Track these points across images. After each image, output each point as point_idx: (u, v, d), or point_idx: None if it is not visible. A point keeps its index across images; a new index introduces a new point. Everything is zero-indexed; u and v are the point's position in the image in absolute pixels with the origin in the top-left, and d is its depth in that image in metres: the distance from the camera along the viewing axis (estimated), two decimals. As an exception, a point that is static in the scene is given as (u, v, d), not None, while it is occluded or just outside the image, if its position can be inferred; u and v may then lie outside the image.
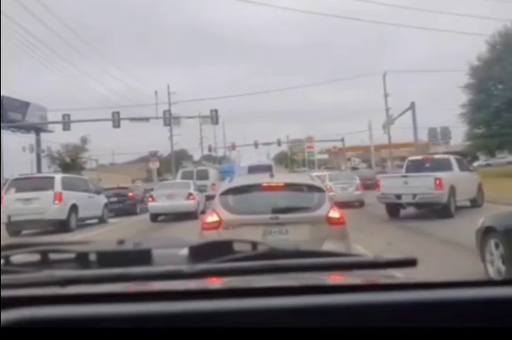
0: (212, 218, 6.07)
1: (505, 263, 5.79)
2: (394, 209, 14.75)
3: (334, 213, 6.07)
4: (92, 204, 18.05)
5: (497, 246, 5.99)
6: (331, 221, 5.99)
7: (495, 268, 6.00)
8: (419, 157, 17.19)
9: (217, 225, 5.96)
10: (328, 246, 5.59)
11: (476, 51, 35.64)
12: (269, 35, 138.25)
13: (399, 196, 14.16)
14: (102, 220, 18.75)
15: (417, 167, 15.66)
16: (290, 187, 6.42)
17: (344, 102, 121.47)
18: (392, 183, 14.57)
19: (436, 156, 17.12)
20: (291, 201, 6.32)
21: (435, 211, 14.01)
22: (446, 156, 16.92)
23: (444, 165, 15.38)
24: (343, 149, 63.28)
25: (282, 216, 5.89)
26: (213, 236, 5.73)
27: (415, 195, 13.87)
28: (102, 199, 19.40)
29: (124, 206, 22.55)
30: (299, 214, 6.00)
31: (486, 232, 6.21)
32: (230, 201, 6.20)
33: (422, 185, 13.85)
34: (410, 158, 17.40)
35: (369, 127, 60.44)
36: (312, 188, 6.41)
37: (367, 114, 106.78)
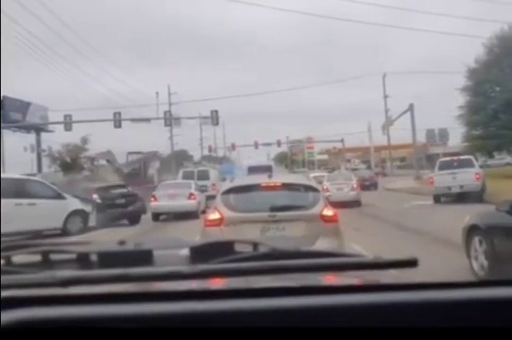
0: (214, 216, 6.43)
1: (488, 258, 6.19)
2: (439, 198, 19.59)
3: (328, 212, 6.45)
4: (33, 213, 13.83)
5: (480, 242, 6.38)
6: (324, 219, 6.35)
7: (479, 264, 6.41)
8: (448, 158, 22.19)
9: (219, 222, 6.32)
10: (322, 241, 5.99)
11: (474, 53, 35.70)
12: (269, 36, 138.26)
13: (449, 188, 19.16)
14: (68, 232, 14.76)
15: (446, 166, 20.27)
16: (287, 187, 6.79)
17: (343, 103, 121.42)
18: (443, 179, 19.20)
19: (461, 157, 21.95)
20: (288, 200, 6.66)
21: (471, 197, 18.19)
22: (468, 156, 21.90)
23: (468, 163, 20.25)
24: (343, 150, 63.28)
25: (280, 214, 6.24)
26: (215, 233, 6.15)
27: (462, 186, 18.95)
28: (65, 205, 15.14)
29: (136, 209, 17.83)
30: (295, 212, 6.36)
31: (471, 230, 6.64)
32: (232, 200, 6.56)
33: (466, 178, 19.03)
34: (441, 159, 22.40)
35: (369, 128, 60.58)
36: (307, 188, 6.81)
37: (367, 116, 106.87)
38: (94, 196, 16.77)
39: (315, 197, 6.61)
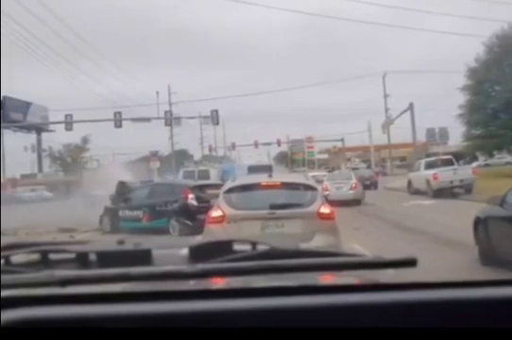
0: (216, 213, 6.72)
1: (489, 245, 7.02)
2: (439, 193, 21.56)
3: (325, 209, 6.74)
4: None
5: (482, 231, 7.25)
6: (321, 216, 6.64)
7: (482, 249, 7.25)
8: (432, 158, 26.57)
9: (221, 219, 6.60)
10: (319, 238, 6.31)
11: (474, 53, 35.68)
12: (270, 36, 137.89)
13: (451, 182, 21.96)
14: None
15: (431, 165, 23.76)
16: (286, 186, 7.10)
17: (344, 102, 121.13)
18: (446, 174, 21.93)
19: (443, 157, 26.43)
20: (286, 198, 6.96)
21: (464, 189, 22.14)
22: (449, 156, 25.77)
23: (449, 162, 23.98)
24: (343, 149, 63.25)
25: (279, 212, 6.53)
26: (217, 229, 6.47)
27: (461, 180, 22.11)
28: None
29: None
30: (294, 210, 6.66)
31: (476, 222, 7.53)
32: (233, 198, 6.86)
33: (464, 173, 22.63)
34: (426, 159, 27.02)
35: (369, 127, 60.55)
36: (305, 187, 7.09)
37: (367, 115, 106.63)
38: (191, 197, 13.88)
39: (312, 196, 6.88)
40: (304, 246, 1.23)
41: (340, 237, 6.78)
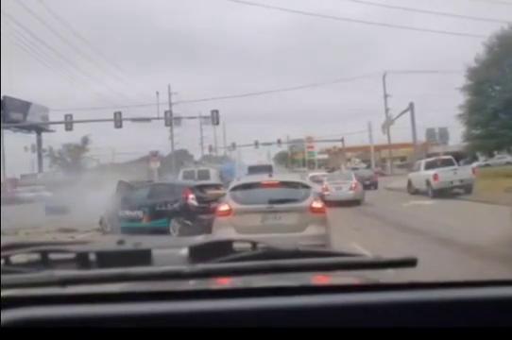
0: (224, 207, 7.84)
1: None
2: (439, 193, 21.65)
3: (317, 204, 7.81)
4: None
5: None
6: (313, 210, 7.67)
7: None
8: (432, 158, 26.67)
9: (228, 212, 7.69)
10: (311, 228, 7.38)
11: (474, 53, 35.66)
12: (270, 36, 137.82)
13: (451, 182, 22.02)
14: None
15: (431, 165, 23.86)
16: (284, 184, 8.21)
17: (344, 102, 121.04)
18: (446, 174, 22.03)
19: (443, 157, 26.78)
20: (284, 195, 7.98)
21: (464, 189, 22.15)
22: (449, 156, 25.90)
23: (449, 162, 24.08)
24: (343, 149, 63.21)
25: (277, 206, 7.60)
26: (225, 221, 7.60)
27: (462, 180, 22.06)
28: None
29: None
30: (290, 205, 7.71)
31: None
32: (238, 195, 7.97)
33: (464, 173, 22.55)
34: (426, 159, 26.99)
35: (369, 127, 60.52)
36: (300, 185, 8.24)
37: (367, 115, 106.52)
38: (191, 197, 13.69)
39: (306, 193, 7.99)
40: (303, 245, 1.23)
41: (330, 228, 7.76)
